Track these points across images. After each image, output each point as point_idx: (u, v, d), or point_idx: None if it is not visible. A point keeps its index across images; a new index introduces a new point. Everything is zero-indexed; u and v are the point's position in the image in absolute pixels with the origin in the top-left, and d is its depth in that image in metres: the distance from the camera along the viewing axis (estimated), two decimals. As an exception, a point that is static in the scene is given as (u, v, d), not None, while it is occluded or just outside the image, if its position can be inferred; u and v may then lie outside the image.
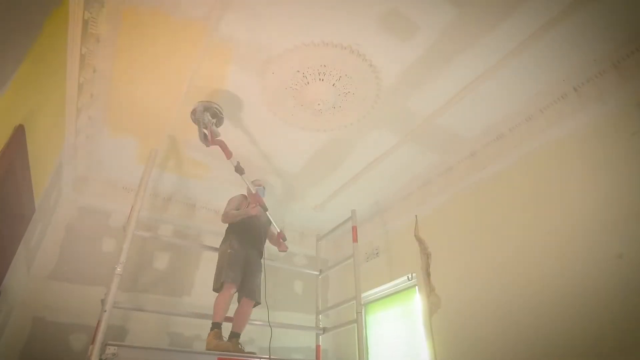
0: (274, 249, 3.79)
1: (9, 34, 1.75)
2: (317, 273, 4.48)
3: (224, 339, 3.11)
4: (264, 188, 3.74)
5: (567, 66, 2.94)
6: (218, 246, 3.49)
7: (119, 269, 2.83)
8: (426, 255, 4.10)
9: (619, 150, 2.80)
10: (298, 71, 3.04)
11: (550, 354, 2.77)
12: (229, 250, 3.32)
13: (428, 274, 4.00)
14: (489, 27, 2.66)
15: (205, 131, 3.23)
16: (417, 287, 4.15)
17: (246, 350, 3.22)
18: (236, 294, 3.31)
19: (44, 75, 2.45)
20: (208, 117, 3.23)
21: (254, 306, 3.37)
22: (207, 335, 3.09)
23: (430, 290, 3.91)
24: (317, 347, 4.06)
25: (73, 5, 2.47)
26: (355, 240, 3.95)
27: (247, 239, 3.46)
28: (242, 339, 3.29)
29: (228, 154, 3.28)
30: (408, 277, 4.30)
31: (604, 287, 2.59)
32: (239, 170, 3.31)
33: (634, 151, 2.70)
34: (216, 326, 3.09)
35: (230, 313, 3.28)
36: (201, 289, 4.50)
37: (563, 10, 2.51)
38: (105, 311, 2.68)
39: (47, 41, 2.24)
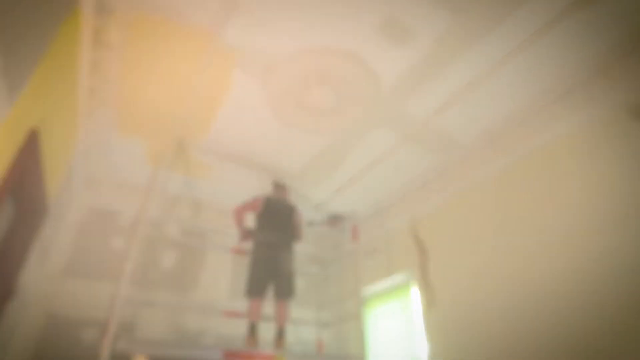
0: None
1: (23, 41, 1.84)
2: (318, 270, 4.54)
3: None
4: None
5: (560, 70, 3.01)
6: (223, 244, 3.58)
7: (128, 266, 2.93)
8: (424, 253, 4.16)
9: (613, 152, 2.87)
10: (300, 75, 3.13)
11: (545, 350, 2.85)
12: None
13: (425, 272, 4.07)
14: (483, 33, 2.75)
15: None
16: (414, 283, 4.24)
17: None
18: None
19: (57, 81, 2.55)
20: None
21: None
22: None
23: (426, 287, 3.98)
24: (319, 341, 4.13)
25: (85, 14, 2.58)
26: (355, 238, 4.01)
27: None
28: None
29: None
30: (406, 274, 4.37)
31: (603, 286, 2.65)
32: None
33: (625, 153, 2.78)
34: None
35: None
36: (207, 286, 4.61)
37: (555, 17, 2.60)
38: (116, 307, 2.79)
39: (59, 48, 2.34)
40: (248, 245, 3.72)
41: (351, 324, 3.73)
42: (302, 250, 3.83)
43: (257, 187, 4.58)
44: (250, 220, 3.77)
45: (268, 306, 3.52)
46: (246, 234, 3.68)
